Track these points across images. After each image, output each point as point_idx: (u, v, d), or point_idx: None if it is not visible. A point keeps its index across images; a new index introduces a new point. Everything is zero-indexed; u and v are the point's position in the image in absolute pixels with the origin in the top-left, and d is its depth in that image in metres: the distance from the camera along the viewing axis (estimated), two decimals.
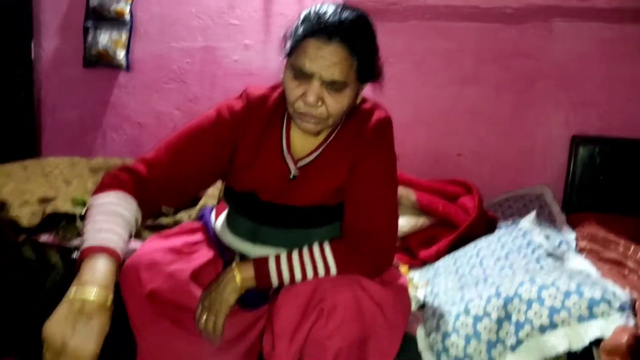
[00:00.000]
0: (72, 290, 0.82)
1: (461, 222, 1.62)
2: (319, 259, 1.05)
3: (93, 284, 0.82)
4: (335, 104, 1.00)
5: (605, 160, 1.89)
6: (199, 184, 1.15)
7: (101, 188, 1.01)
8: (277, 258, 1.07)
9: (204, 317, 1.08)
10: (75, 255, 1.59)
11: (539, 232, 1.37)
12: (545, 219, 1.67)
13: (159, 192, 1.06)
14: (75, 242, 1.58)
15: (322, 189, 1.09)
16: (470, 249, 1.45)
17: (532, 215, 1.46)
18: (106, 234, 0.91)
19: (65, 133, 2.82)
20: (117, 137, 2.73)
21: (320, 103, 1.00)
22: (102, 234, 0.90)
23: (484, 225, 1.63)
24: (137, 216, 1.01)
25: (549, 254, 1.26)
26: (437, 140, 2.12)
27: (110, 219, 0.93)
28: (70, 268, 1.59)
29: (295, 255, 1.06)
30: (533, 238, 1.34)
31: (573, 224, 1.64)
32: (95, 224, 0.92)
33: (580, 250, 1.40)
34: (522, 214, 1.66)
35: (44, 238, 1.64)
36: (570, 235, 1.51)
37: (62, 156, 2.30)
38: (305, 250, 1.07)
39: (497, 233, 1.48)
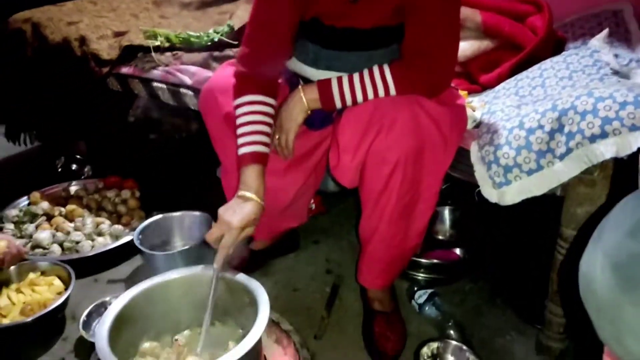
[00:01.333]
0: (238, 192, 1.12)
1: (527, 44, 1.56)
2: (378, 80, 1.10)
3: (247, 187, 1.11)
4: None
5: None
6: (292, 30, 1.17)
7: (237, 89, 1.17)
8: (339, 80, 1.13)
9: (277, 135, 1.21)
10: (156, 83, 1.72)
11: (608, 50, 1.32)
12: (620, 37, 1.58)
13: (270, 57, 1.17)
14: (154, 72, 1.70)
15: (382, 8, 1.09)
16: (533, 71, 1.43)
17: (604, 33, 1.38)
18: (250, 138, 1.13)
19: None
20: None
21: None
22: (248, 141, 1.13)
23: (551, 47, 1.56)
24: (268, 101, 1.16)
25: (615, 72, 1.23)
26: None
27: (251, 127, 1.13)
28: (153, 96, 1.75)
29: (356, 77, 1.12)
30: (601, 57, 1.30)
31: None
32: (243, 132, 1.14)
33: None
34: (594, 33, 1.56)
35: (125, 70, 1.77)
36: None
37: None
38: (366, 72, 1.12)
39: (564, 54, 1.44)
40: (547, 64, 1.40)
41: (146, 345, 1.03)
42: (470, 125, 1.24)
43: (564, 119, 1.01)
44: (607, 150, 0.94)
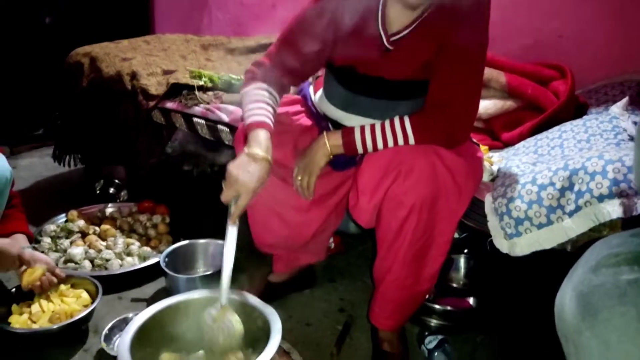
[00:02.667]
0: (246, 150, 1.11)
1: (549, 106, 1.63)
2: (399, 130, 1.17)
3: (259, 146, 1.11)
4: None
5: None
6: (313, 64, 1.28)
7: (245, 82, 1.25)
8: (362, 129, 1.20)
9: (299, 177, 1.29)
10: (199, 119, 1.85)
11: (627, 117, 1.38)
12: None
13: (283, 76, 1.25)
14: (196, 108, 1.83)
15: (412, 63, 1.18)
16: (553, 132, 1.49)
17: (624, 101, 1.45)
18: (260, 112, 1.16)
19: (175, 12, 3.04)
20: (222, 16, 2.90)
21: None
22: (258, 113, 1.16)
23: (572, 111, 1.63)
24: (275, 95, 1.23)
25: (632, 138, 1.28)
26: (537, 21, 2.02)
27: (259, 104, 1.18)
28: (192, 130, 1.87)
29: (377, 127, 1.19)
30: (619, 123, 1.35)
31: None
32: (251, 107, 1.17)
33: None
34: (616, 100, 1.63)
35: (169, 105, 1.91)
36: None
37: (176, 33, 2.54)
38: (387, 122, 1.19)
39: (584, 118, 1.50)
40: (567, 126, 1.46)
41: (165, 355, 1.09)
42: (486, 177, 1.30)
43: (574, 178, 1.06)
44: (613, 210, 0.98)
